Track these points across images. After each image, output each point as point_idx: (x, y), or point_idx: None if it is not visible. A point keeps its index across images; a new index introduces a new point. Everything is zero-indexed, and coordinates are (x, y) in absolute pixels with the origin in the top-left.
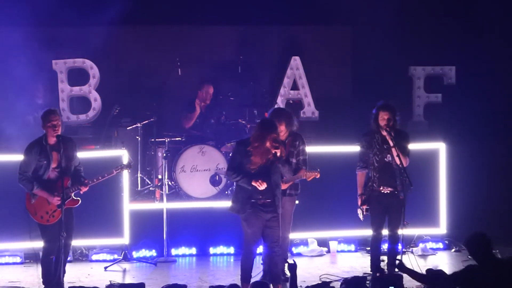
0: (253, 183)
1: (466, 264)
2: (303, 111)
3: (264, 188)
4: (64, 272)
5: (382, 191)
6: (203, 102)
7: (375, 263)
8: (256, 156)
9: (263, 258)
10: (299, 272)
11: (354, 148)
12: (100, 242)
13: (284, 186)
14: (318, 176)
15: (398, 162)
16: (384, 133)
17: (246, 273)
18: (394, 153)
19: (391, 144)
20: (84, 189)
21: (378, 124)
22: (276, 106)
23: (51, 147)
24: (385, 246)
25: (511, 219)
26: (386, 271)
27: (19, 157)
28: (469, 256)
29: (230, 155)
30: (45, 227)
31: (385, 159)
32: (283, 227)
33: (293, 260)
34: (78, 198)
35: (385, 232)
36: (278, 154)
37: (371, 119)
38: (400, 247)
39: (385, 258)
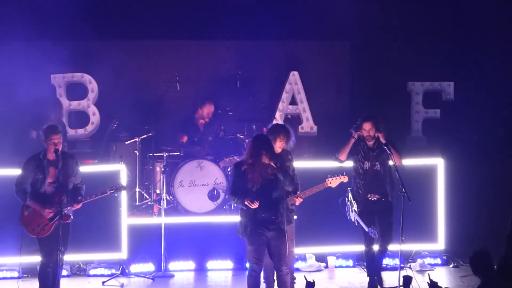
0: (246, 203)
1: (464, 279)
2: (302, 126)
3: (256, 206)
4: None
5: (369, 198)
6: (202, 119)
7: (372, 279)
8: (252, 173)
9: (264, 277)
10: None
11: (351, 164)
12: (98, 256)
13: (298, 201)
14: (346, 179)
15: (393, 162)
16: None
17: None
18: (393, 152)
19: (383, 141)
20: (76, 206)
21: (362, 134)
22: (275, 122)
23: (49, 162)
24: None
25: None
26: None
27: (15, 172)
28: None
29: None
30: (42, 241)
31: (374, 167)
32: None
33: (312, 280)
34: (70, 214)
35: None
36: (278, 164)
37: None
38: (398, 262)
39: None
